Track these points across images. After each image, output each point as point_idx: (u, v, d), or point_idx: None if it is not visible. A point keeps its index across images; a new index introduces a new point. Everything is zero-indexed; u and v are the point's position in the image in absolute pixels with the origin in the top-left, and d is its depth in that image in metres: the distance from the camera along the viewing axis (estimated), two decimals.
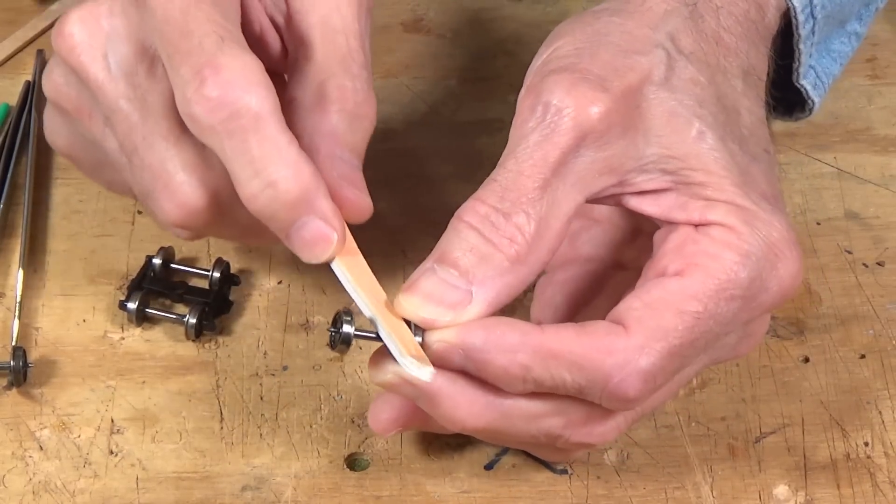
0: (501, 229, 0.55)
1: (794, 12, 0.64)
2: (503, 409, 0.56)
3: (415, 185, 0.76)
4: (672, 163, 0.57)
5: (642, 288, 0.56)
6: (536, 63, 0.60)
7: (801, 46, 0.66)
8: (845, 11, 0.70)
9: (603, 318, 0.57)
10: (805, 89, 0.70)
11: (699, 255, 0.55)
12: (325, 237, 0.54)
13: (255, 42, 0.58)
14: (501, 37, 0.85)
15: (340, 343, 0.57)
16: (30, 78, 0.81)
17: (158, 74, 0.56)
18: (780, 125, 0.75)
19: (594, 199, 0.57)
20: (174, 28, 0.53)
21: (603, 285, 0.63)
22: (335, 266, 0.55)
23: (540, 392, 0.55)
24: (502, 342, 0.54)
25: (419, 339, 0.55)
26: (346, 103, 0.57)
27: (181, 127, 0.55)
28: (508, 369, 0.54)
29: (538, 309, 0.64)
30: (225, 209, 0.56)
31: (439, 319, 0.54)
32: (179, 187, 0.56)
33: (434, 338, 0.54)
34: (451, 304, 0.54)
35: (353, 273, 0.55)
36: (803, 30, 0.65)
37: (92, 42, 0.57)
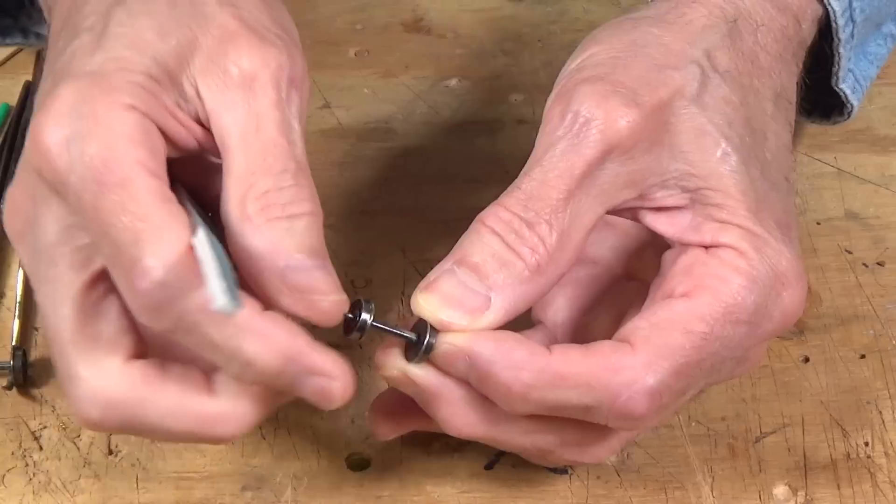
0: (524, 238, 0.55)
1: (834, 16, 0.64)
2: (501, 421, 0.56)
3: (415, 185, 0.76)
4: (693, 181, 0.56)
5: (649, 309, 0.55)
6: (569, 67, 0.59)
7: (841, 50, 0.66)
8: (882, 13, 0.69)
9: (602, 324, 0.57)
10: (844, 93, 0.69)
11: (707, 277, 0.55)
12: (328, 391, 0.53)
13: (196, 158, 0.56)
14: (501, 37, 0.85)
15: (356, 330, 0.56)
16: (30, 78, 0.81)
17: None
18: None
19: (613, 211, 0.57)
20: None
21: (606, 292, 0.62)
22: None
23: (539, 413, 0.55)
24: (510, 357, 0.53)
25: (428, 340, 0.55)
26: (273, 211, 0.52)
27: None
28: (511, 386, 0.53)
29: (539, 306, 0.63)
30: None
31: (456, 323, 0.54)
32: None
33: (443, 339, 0.54)
34: (469, 309, 0.54)
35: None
36: (843, 34, 0.65)
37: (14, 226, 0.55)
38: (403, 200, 0.75)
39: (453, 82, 0.83)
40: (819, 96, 0.70)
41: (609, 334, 0.56)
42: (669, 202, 0.57)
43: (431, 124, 0.80)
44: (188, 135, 0.54)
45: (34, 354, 0.68)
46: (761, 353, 0.60)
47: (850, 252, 0.73)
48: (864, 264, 0.73)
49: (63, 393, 0.53)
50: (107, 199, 0.51)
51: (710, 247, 0.56)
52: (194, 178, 0.56)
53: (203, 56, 0.54)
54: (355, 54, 0.84)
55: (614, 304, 0.61)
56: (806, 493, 0.63)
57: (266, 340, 0.51)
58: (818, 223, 0.75)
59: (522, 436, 0.57)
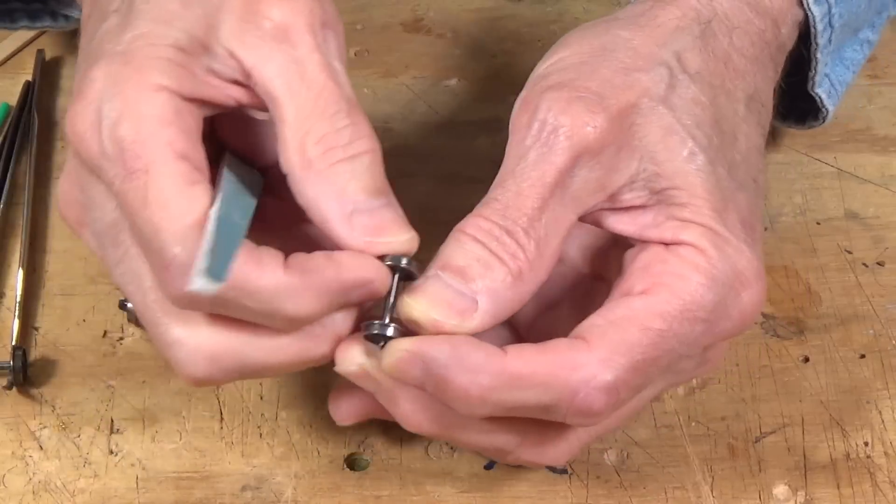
0: (505, 244, 0.55)
1: (814, 21, 0.64)
2: (459, 420, 0.56)
3: (415, 185, 0.76)
4: (659, 181, 0.57)
5: (606, 307, 0.55)
6: (536, 72, 0.59)
7: (819, 55, 0.66)
8: (860, 20, 0.70)
9: (567, 323, 0.57)
10: (820, 98, 0.70)
11: (666, 274, 0.55)
12: (372, 293, 0.54)
13: (236, 116, 0.57)
14: (501, 37, 0.85)
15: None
16: (30, 78, 0.81)
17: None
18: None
19: (588, 217, 0.57)
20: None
21: (572, 291, 0.62)
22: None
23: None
24: (466, 361, 0.53)
25: (383, 340, 0.54)
26: (334, 154, 0.54)
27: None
28: (469, 390, 0.53)
29: None
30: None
31: (447, 323, 0.54)
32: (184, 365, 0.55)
33: (398, 345, 0.53)
34: (459, 310, 0.54)
35: None
36: (821, 39, 0.65)
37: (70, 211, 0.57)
38: (403, 200, 0.75)
39: (453, 82, 0.83)
40: (794, 101, 0.70)
41: (566, 330, 0.56)
42: (635, 202, 0.57)
43: (431, 124, 0.80)
44: (227, 96, 0.55)
45: (34, 354, 0.68)
46: (721, 354, 0.60)
47: (850, 252, 0.73)
48: (864, 264, 0.73)
49: (166, 361, 0.55)
50: (132, 185, 0.52)
51: (671, 244, 0.56)
52: (245, 137, 0.58)
53: (233, 17, 0.54)
54: (355, 54, 0.84)
55: (580, 303, 0.61)
56: (806, 493, 0.63)
57: (301, 295, 0.52)
58: (818, 223, 0.75)
59: (480, 435, 0.57)
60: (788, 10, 0.63)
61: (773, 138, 0.77)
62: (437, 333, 0.54)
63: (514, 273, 0.54)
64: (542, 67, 0.59)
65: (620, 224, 0.57)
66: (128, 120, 0.52)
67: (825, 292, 0.71)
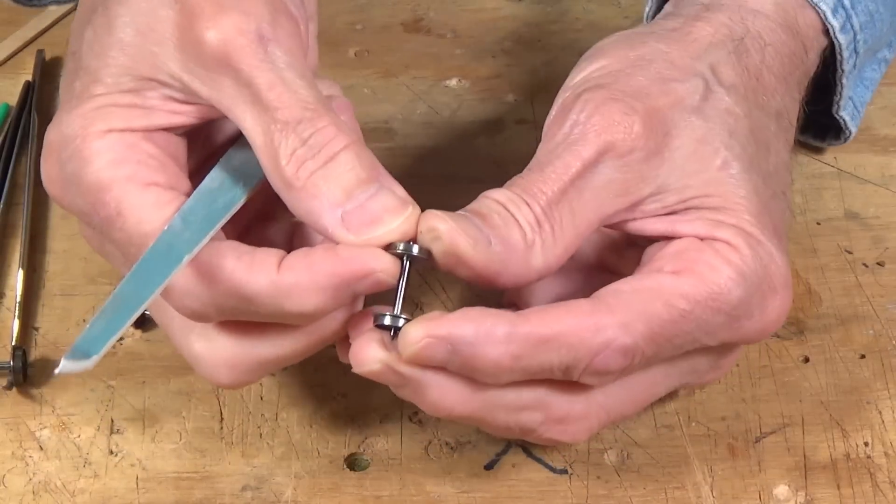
0: (524, 213, 0.55)
1: (840, 49, 0.65)
2: (487, 400, 0.56)
3: (415, 185, 0.76)
4: (690, 191, 0.57)
5: (634, 277, 0.56)
6: (574, 79, 0.60)
7: (844, 81, 0.67)
8: (880, 42, 0.70)
9: None
10: (844, 120, 0.71)
11: (698, 262, 0.55)
12: (379, 284, 0.54)
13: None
14: (501, 37, 0.85)
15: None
16: (30, 78, 0.81)
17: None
18: None
19: (606, 224, 0.58)
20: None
21: (583, 284, 0.63)
22: None
23: (523, 381, 0.55)
24: (493, 334, 0.53)
25: (394, 331, 0.54)
26: (308, 167, 0.53)
27: None
28: (500, 361, 0.53)
29: (516, 297, 0.63)
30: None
31: (457, 237, 0.54)
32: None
33: (417, 333, 0.53)
34: (472, 235, 0.54)
35: None
36: (847, 65, 0.67)
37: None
38: None
39: (453, 82, 0.83)
40: (816, 117, 0.71)
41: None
42: (661, 211, 0.57)
43: (431, 124, 0.80)
44: (193, 116, 0.56)
45: (34, 354, 0.68)
46: (732, 362, 0.61)
47: (850, 252, 0.73)
48: (864, 264, 0.73)
49: (195, 372, 0.58)
50: (112, 229, 0.54)
51: (706, 238, 0.56)
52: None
53: (171, 47, 0.55)
54: (355, 54, 0.84)
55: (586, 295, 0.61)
56: (806, 493, 0.63)
57: (300, 293, 0.52)
58: (818, 223, 0.75)
59: (507, 414, 0.57)
60: (815, 37, 0.64)
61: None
62: (450, 248, 0.54)
63: (528, 240, 0.55)
64: (579, 76, 0.60)
65: (649, 226, 0.58)
66: (84, 175, 0.54)
67: (825, 292, 0.71)
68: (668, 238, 0.57)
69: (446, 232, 0.54)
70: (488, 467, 0.64)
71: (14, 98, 0.80)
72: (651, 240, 0.58)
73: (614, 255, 0.62)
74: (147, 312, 0.69)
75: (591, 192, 0.56)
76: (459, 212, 0.55)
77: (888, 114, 0.81)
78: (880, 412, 0.66)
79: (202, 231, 0.53)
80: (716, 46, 0.60)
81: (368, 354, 0.54)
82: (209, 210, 0.54)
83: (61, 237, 0.73)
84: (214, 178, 0.56)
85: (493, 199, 0.56)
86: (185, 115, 0.56)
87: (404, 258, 0.54)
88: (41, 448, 0.64)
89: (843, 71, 0.67)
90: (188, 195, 0.55)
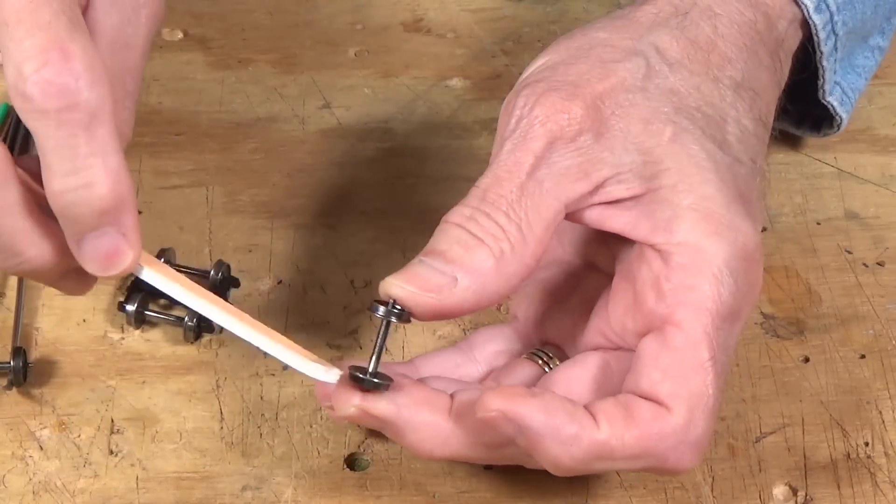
0: (485, 226, 0.56)
1: (815, 30, 0.65)
2: (467, 440, 0.57)
3: (415, 185, 0.76)
4: (648, 167, 0.57)
5: (651, 355, 0.56)
6: (520, 79, 0.61)
7: (825, 63, 0.67)
8: (867, 26, 0.70)
9: (569, 316, 0.61)
10: (832, 106, 0.71)
11: (678, 291, 0.56)
12: (122, 252, 0.54)
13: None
14: (501, 37, 0.85)
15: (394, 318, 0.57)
16: None
17: None
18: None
19: (571, 214, 0.58)
20: None
21: (574, 284, 0.64)
22: (150, 277, 0.57)
23: None
24: (561, 433, 0.54)
25: (372, 372, 0.56)
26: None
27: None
28: (560, 459, 0.55)
29: (515, 303, 0.65)
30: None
31: (424, 296, 0.55)
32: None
33: (493, 404, 0.54)
34: (433, 287, 0.55)
35: (192, 289, 0.58)
36: (825, 47, 0.66)
37: None
38: (403, 200, 0.75)
39: (453, 82, 0.83)
40: (809, 108, 0.71)
41: (576, 325, 0.60)
42: (626, 193, 0.58)
43: (431, 124, 0.80)
44: None
45: (34, 354, 0.68)
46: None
47: (850, 252, 0.73)
48: (864, 264, 0.73)
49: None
50: None
51: (665, 251, 0.56)
52: None
53: None
54: (355, 54, 0.84)
55: (580, 296, 0.62)
56: (806, 493, 0.63)
57: (116, 179, 0.52)
58: (818, 223, 0.75)
59: (490, 451, 0.58)
60: (782, 6, 0.64)
61: (773, 138, 0.76)
62: (418, 308, 0.55)
63: (495, 253, 0.56)
64: (524, 75, 0.61)
65: (611, 221, 0.58)
66: None
67: (825, 292, 0.71)
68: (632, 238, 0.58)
69: (406, 299, 0.55)
70: (488, 467, 0.64)
71: None
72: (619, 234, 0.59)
73: (593, 250, 0.63)
74: (149, 313, 0.69)
75: (550, 182, 0.57)
76: (419, 257, 0.56)
77: (888, 114, 0.81)
78: (880, 412, 0.66)
79: None
80: (659, 25, 0.61)
81: (345, 400, 0.57)
82: None
83: None
84: None
85: (453, 224, 0.57)
86: None
87: (383, 322, 0.56)
88: (41, 448, 0.64)
89: (822, 52, 0.66)
90: None
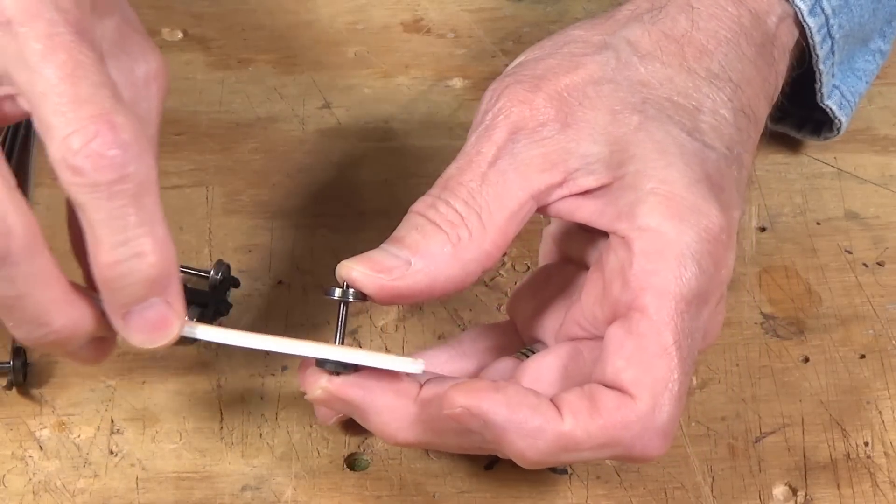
0: (443, 213, 0.57)
1: (810, 32, 0.65)
2: (433, 425, 0.57)
3: (415, 185, 0.76)
4: (615, 156, 0.58)
5: (616, 342, 0.56)
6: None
7: (821, 66, 0.67)
8: (866, 30, 0.70)
9: (556, 313, 0.61)
10: (831, 109, 0.70)
11: (641, 275, 0.56)
12: (170, 323, 0.54)
13: None
14: (501, 36, 0.85)
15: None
16: None
17: None
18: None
19: (544, 208, 0.58)
20: (60, 67, 0.50)
21: (553, 281, 0.64)
22: (205, 334, 0.57)
23: None
24: (525, 426, 0.54)
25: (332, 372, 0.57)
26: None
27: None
28: (525, 452, 0.55)
29: (508, 301, 0.66)
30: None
31: (376, 277, 0.56)
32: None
33: (458, 400, 0.55)
34: (385, 268, 0.56)
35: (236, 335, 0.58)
36: (821, 50, 0.66)
37: None
38: (403, 200, 0.75)
39: (453, 82, 0.83)
40: (810, 112, 0.71)
41: (562, 321, 0.60)
42: (595, 183, 0.58)
43: (431, 124, 0.80)
44: None
45: (34, 354, 0.68)
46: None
47: (850, 252, 0.73)
48: (864, 264, 0.73)
49: None
50: None
51: (628, 238, 0.57)
52: None
53: None
54: (355, 54, 0.84)
55: (562, 291, 0.63)
56: (806, 493, 0.63)
57: (164, 248, 0.52)
58: (818, 223, 0.75)
59: (458, 437, 0.58)
60: (770, 2, 0.64)
61: (773, 138, 0.77)
62: (368, 288, 0.56)
63: (452, 239, 0.57)
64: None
65: (579, 212, 0.58)
66: None
67: (825, 292, 0.71)
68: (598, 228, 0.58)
69: (356, 279, 0.56)
70: (488, 467, 0.64)
71: None
72: (586, 229, 0.59)
73: (568, 244, 0.63)
74: None
75: (514, 171, 0.57)
76: (382, 245, 0.57)
77: (888, 114, 0.81)
78: (880, 412, 0.66)
79: None
80: (633, 20, 0.61)
81: (313, 382, 0.57)
82: None
83: (62, 237, 0.73)
84: None
85: (415, 212, 0.58)
86: None
87: (340, 304, 0.57)
88: (41, 448, 0.64)
89: (817, 56, 0.66)
90: None
